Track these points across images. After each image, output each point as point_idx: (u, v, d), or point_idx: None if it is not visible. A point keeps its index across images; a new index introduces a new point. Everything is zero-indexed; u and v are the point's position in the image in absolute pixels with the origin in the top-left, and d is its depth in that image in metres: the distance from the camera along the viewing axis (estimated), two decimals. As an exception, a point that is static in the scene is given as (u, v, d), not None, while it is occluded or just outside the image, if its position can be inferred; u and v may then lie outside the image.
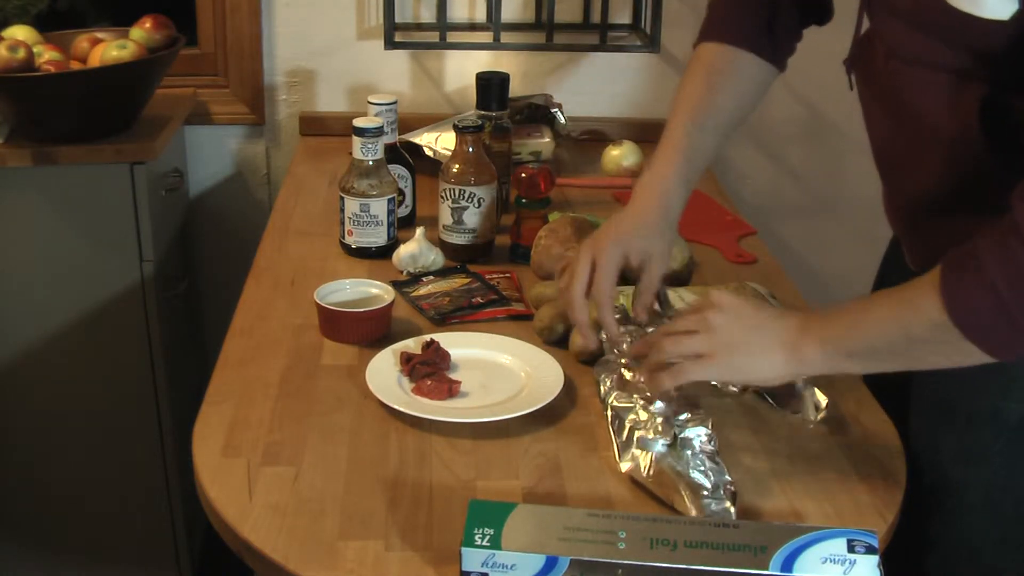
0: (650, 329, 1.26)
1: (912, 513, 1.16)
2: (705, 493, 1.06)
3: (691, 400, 1.19)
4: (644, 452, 1.12)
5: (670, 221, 1.30)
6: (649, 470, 1.11)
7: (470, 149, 1.62)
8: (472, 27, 2.20)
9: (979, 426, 1.17)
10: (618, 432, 1.18)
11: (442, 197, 1.64)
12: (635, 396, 1.19)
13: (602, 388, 1.27)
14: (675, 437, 1.11)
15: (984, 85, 1.02)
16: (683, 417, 1.14)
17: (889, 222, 1.30)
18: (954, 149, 1.08)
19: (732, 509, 1.06)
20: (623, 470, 1.15)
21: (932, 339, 1.01)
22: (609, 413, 1.22)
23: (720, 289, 1.17)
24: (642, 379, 1.18)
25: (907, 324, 1.02)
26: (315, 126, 2.24)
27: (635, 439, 1.14)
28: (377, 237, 1.65)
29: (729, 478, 1.08)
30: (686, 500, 1.07)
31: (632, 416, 1.17)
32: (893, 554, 1.06)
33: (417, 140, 1.98)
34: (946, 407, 1.19)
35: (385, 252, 1.65)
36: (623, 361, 1.25)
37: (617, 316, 1.29)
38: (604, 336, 1.30)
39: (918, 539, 1.21)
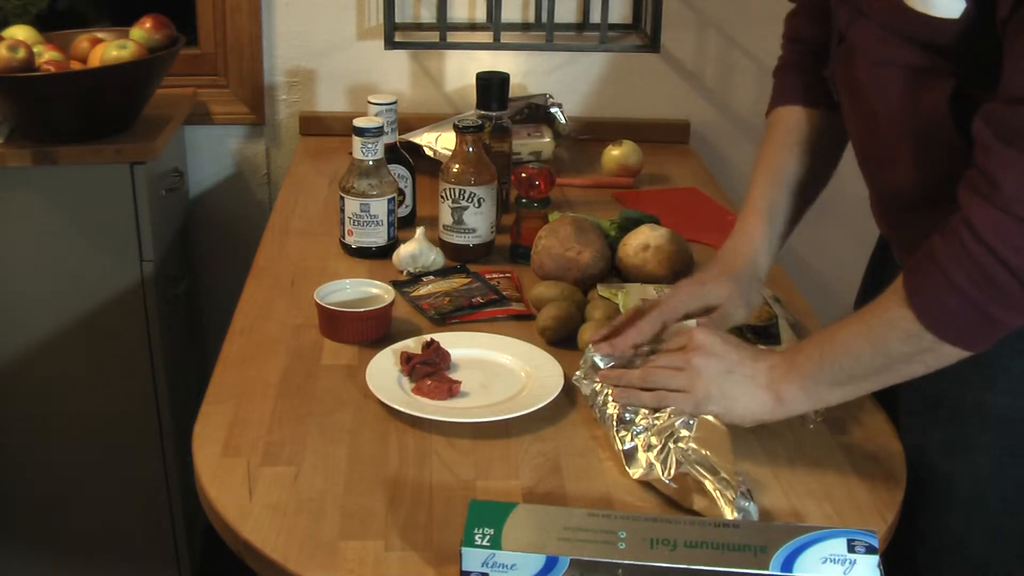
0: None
1: (902, 508, 1.16)
2: (734, 491, 1.05)
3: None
4: (658, 455, 1.12)
5: (758, 279, 1.32)
6: (668, 472, 1.10)
7: (470, 149, 1.62)
8: (472, 27, 2.20)
9: (965, 419, 1.18)
10: (622, 440, 1.17)
11: (442, 197, 1.64)
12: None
13: (585, 391, 1.26)
14: (679, 439, 1.11)
15: (951, 80, 1.05)
16: (687, 420, 1.14)
17: (876, 222, 1.32)
18: (928, 144, 1.10)
19: (754, 506, 1.05)
20: (635, 477, 1.14)
21: (911, 351, 1.04)
22: (607, 422, 1.21)
23: (701, 327, 1.19)
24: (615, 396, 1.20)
25: (882, 343, 1.05)
26: (315, 126, 2.24)
27: (643, 445, 1.14)
28: (377, 237, 1.65)
29: (741, 477, 1.07)
30: (718, 498, 1.04)
31: (636, 423, 1.17)
32: (884, 550, 1.06)
33: (417, 140, 1.98)
34: (933, 402, 1.20)
35: (385, 252, 1.65)
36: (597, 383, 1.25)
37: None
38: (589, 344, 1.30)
39: (907, 534, 1.21)
